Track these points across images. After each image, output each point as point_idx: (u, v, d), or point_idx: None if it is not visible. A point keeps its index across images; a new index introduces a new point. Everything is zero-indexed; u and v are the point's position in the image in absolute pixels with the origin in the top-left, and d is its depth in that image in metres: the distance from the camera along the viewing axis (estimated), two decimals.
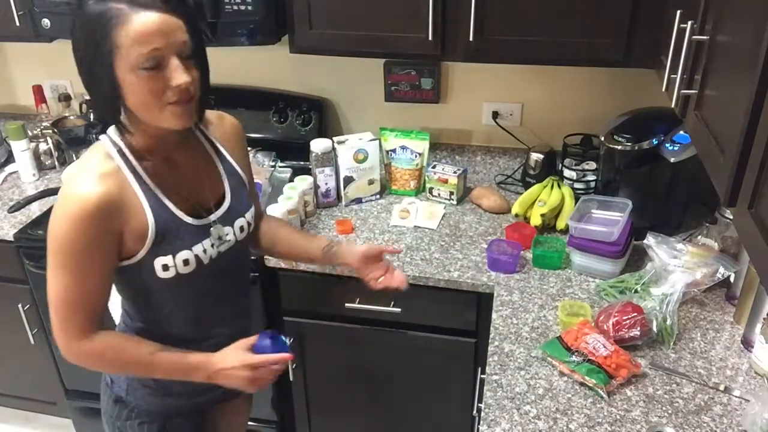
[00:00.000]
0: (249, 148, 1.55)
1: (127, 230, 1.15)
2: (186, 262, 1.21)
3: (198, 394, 1.39)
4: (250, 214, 1.35)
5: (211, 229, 1.25)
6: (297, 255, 1.55)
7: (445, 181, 2.08)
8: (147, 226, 1.16)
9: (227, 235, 1.29)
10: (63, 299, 1.16)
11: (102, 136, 1.19)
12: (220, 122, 1.36)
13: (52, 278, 1.16)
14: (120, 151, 1.16)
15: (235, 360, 1.26)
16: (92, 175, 1.13)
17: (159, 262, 1.19)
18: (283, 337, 1.34)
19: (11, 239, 2.04)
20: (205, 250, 1.24)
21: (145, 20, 1.02)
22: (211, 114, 1.35)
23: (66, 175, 1.16)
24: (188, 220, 1.22)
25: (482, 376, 1.51)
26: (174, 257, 1.19)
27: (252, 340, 1.29)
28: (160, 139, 1.18)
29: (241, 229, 1.32)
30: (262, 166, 2.15)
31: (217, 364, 1.25)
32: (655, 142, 1.77)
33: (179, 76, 1.06)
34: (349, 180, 2.08)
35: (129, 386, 1.35)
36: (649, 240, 1.68)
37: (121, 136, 1.17)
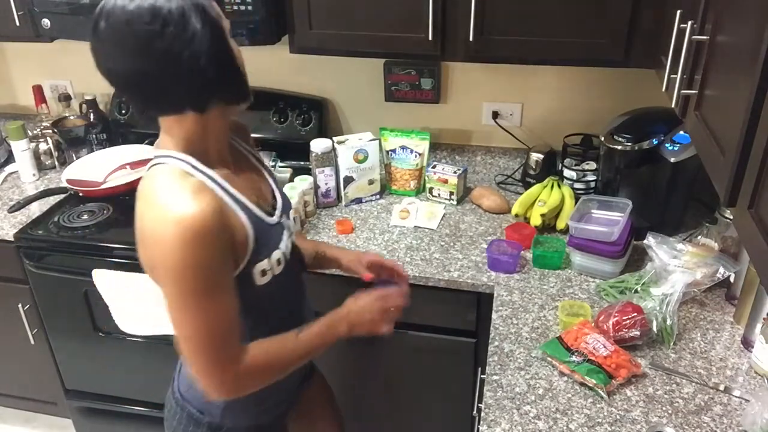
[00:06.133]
0: None
1: (234, 241, 1.12)
2: (279, 261, 1.23)
3: (281, 403, 1.43)
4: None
5: (284, 221, 1.28)
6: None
7: (445, 181, 2.08)
8: (247, 234, 1.14)
9: (291, 227, 1.33)
10: (211, 332, 1.07)
11: (164, 159, 1.12)
12: (233, 125, 1.32)
13: (188, 316, 1.06)
14: (192, 166, 1.11)
15: (365, 298, 1.33)
16: (184, 194, 1.05)
17: (258, 268, 1.18)
18: None
19: (11, 239, 2.04)
20: (287, 246, 1.27)
21: None
22: None
23: (146, 205, 1.09)
24: (269, 220, 1.23)
25: (482, 376, 1.51)
26: (269, 260, 1.20)
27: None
28: (226, 137, 1.21)
29: (294, 219, 1.37)
30: None
31: (352, 310, 1.31)
32: (655, 142, 1.77)
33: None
34: (349, 180, 2.08)
35: (225, 409, 1.30)
36: (649, 240, 1.68)
37: (189, 150, 1.12)
